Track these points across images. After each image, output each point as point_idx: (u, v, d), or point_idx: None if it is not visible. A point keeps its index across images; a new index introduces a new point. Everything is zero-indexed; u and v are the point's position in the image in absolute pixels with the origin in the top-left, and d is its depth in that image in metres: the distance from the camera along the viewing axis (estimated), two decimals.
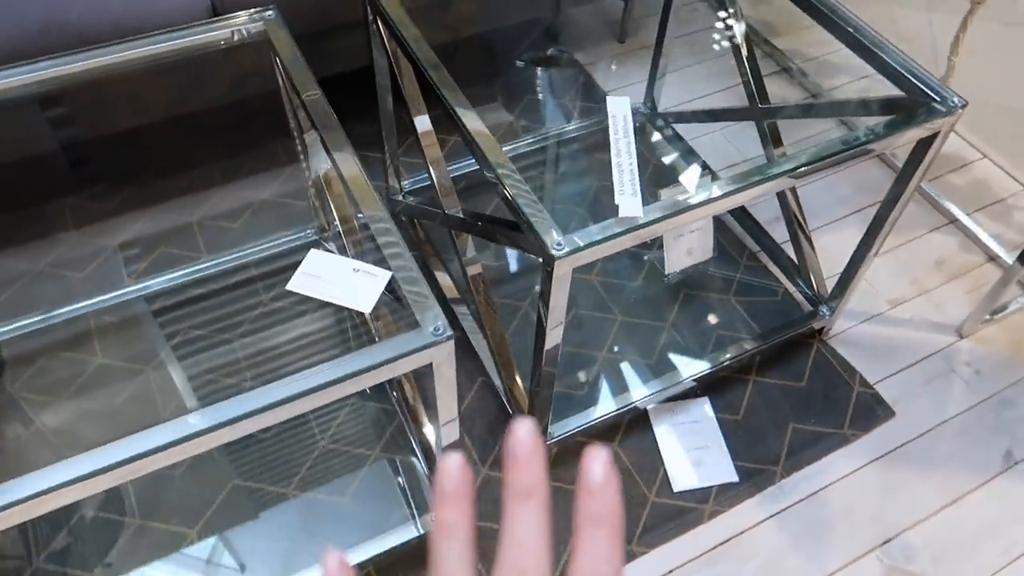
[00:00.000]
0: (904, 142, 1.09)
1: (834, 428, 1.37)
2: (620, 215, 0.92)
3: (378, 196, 0.92)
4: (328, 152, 0.97)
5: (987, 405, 1.41)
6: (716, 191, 0.97)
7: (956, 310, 1.54)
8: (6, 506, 0.69)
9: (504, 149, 1.71)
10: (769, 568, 1.22)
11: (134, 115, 1.58)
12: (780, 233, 1.60)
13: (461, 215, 1.19)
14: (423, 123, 1.27)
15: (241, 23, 1.16)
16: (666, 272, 1.47)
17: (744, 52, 1.41)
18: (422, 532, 1.19)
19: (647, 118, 1.79)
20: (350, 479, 1.28)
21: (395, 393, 1.35)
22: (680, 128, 1.77)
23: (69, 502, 0.73)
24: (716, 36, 2.06)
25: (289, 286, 0.83)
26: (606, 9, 2.12)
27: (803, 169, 1.02)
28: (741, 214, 1.62)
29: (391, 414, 1.35)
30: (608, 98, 1.04)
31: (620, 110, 1.03)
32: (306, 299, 1.46)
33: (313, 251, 0.85)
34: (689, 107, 1.85)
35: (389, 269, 0.84)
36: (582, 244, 0.89)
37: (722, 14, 1.44)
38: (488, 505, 1.26)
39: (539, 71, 1.98)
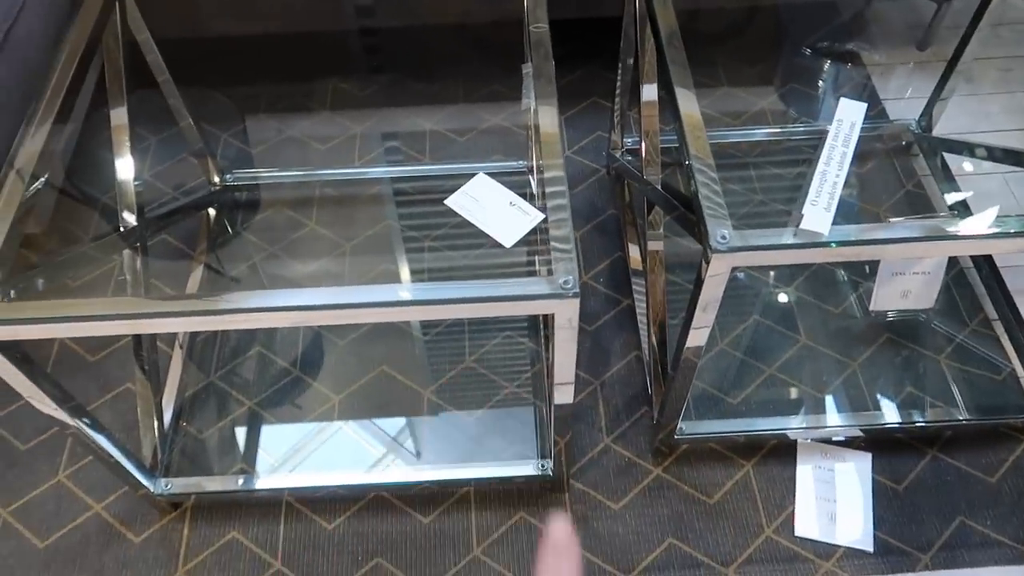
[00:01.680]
0: None
1: (1013, 541, 1.17)
2: (802, 226, 0.83)
3: (562, 148, 0.91)
4: (534, 91, 0.97)
5: None
6: (927, 232, 0.85)
7: None
8: (229, 311, 0.81)
9: (738, 132, 1.62)
10: None
11: (406, 17, 1.68)
12: None
13: (654, 184, 1.15)
14: (650, 92, 1.23)
15: None
16: (871, 308, 1.32)
17: None
18: (527, 475, 1.21)
19: (916, 138, 1.59)
20: (481, 402, 1.32)
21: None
22: (951, 159, 1.55)
23: (262, 326, 0.83)
24: None
25: (447, 202, 0.86)
26: (918, 8, 1.89)
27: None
28: (988, 273, 1.40)
29: (536, 357, 1.37)
30: (842, 100, 0.94)
31: (850, 116, 0.92)
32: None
33: (481, 175, 0.87)
34: (969, 138, 1.61)
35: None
36: (748, 244, 0.83)
37: None
38: (598, 473, 1.25)
39: (816, 60, 1.82)
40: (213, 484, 1.22)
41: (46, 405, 0.93)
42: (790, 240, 0.83)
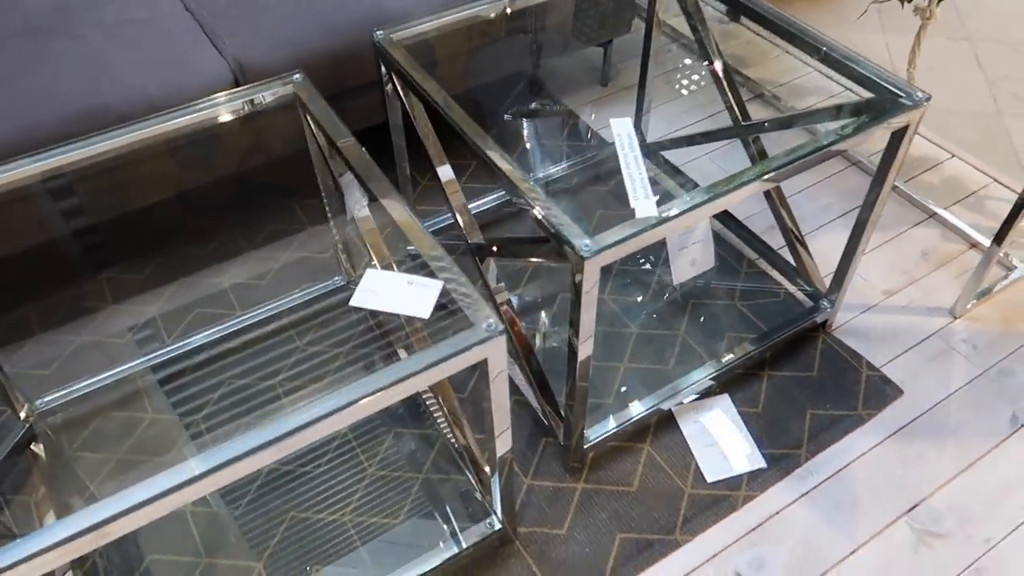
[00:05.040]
0: (880, 134, 1.22)
1: (849, 410, 1.46)
2: (637, 216, 1.02)
3: (420, 223, 1.02)
4: (368, 191, 1.08)
5: (988, 376, 1.51)
6: (714, 194, 1.08)
7: (946, 294, 1.65)
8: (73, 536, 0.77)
9: (486, 201, 1.84)
10: (805, 545, 1.29)
11: (151, 192, 1.66)
12: (775, 240, 1.71)
13: (487, 243, 1.29)
14: (446, 173, 1.38)
15: (270, 87, 1.28)
16: (673, 283, 1.58)
17: (724, 77, 1.54)
18: (470, 544, 1.25)
19: None
20: (402, 501, 1.34)
21: (439, 415, 1.43)
22: (669, 156, 1.90)
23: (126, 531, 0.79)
24: (692, 72, 2.23)
25: (352, 302, 0.92)
26: (585, 57, 2.28)
27: (786, 168, 1.13)
28: (737, 227, 1.74)
29: (432, 439, 1.43)
30: (611, 120, 1.16)
31: (623, 129, 1.15)
32: (340, 341, 1.55)
33: (370, 270, 0.94)
34: (675, 136, 1.99)
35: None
36: (608, 243, 1.00)
37: (700, 48, 1.58)
38: (533, 511, 1.33)
39: (533, 119, 2.12)
40: None
41: None
42: (636, 228, 1.02)
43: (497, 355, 0.93)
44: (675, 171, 1.88)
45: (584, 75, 2.23)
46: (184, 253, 1.76)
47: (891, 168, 1.30)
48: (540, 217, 1.04)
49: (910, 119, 1.22)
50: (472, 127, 1.16)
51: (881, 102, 1.24)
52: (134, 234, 1.80)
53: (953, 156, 1.96)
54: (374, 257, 1.24)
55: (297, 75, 1.28)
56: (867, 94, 1.27)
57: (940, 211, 1.81)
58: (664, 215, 1.03)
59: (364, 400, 0.85)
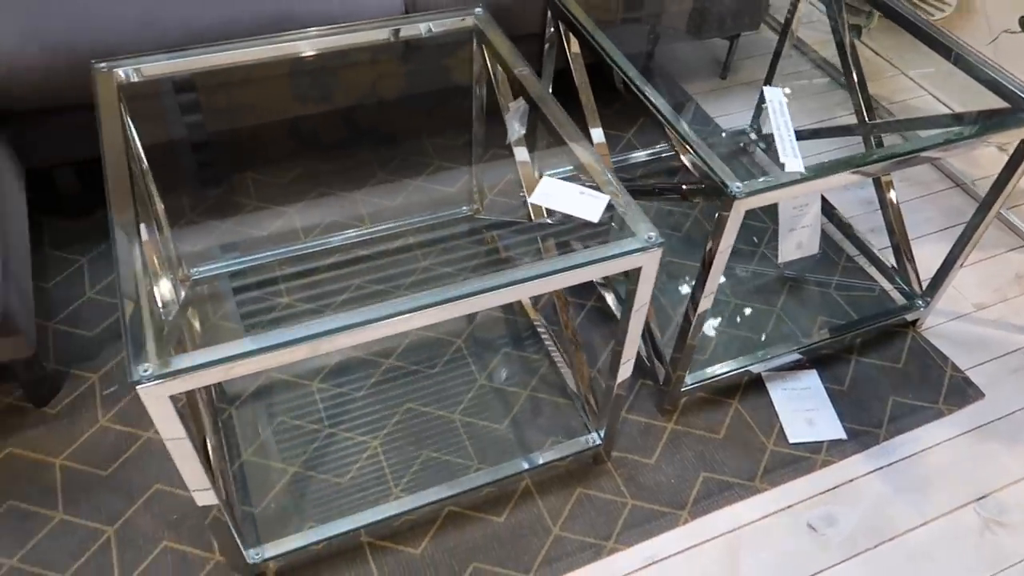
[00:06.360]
0: (1009, 139, 1.30)
1: (930, 403, 1.54)
2: (786, 170, 1.13)
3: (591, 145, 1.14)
4: (546, 118, 1.20)
5: None
6: (853, 162, 1.18)
7: None
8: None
9: (615, 160, 1.95)
10: (875, 511, 1.38)
11: (304, 104, 1.82)
12: (875, 242, 1.80)
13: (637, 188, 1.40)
14: (598, 135, 1.50)
15: (450, 17, 1.41)
16: (779, 262, 1.68)
17: (854, 72, 1.64)
18: (569, 454, 1.37)
19: (754, 142, 2.02)
20: (507, 410, 1.47)
21: (550, 344, 1.56)
22: None
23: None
24: (813, 78, 2.32)
25: (531, 199, 1.04)
26: (706, 48, 2.39)
27: (928, 150, 1.23)
28: (841, 223, 1.83)
29: (537, 363, 1.54)
30: (764, 88, 1.27)
31: (776, 96, 1.26)
32: (458, 263, 1.68)
33: (546, 177, 1.07)
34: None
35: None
36: (757, 188, 1.11)
37: (837, 49, 1.67)
38: (625, 440, 1.44)
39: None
40: (296, 541, 1.23)
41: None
42: (784, 180, 1.12)
43: (651, 266, 1.04)
44: None
45: (704, 66, 2.33)
46: (325, 168, 1.91)
47: (1010, 179, 1.38)
48: (701, 163, 1.15)
49: None
50: (642, 81, 1.27)
51: (1013, 111, 1.33)
52: (279, 142, 1.95)
53: None
54: (524, 185, 1.36)
55: (478, 8, 1.41)
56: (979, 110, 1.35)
57: None
58: (808, 175, 1.13)
59: (540, 280, 0.97)
